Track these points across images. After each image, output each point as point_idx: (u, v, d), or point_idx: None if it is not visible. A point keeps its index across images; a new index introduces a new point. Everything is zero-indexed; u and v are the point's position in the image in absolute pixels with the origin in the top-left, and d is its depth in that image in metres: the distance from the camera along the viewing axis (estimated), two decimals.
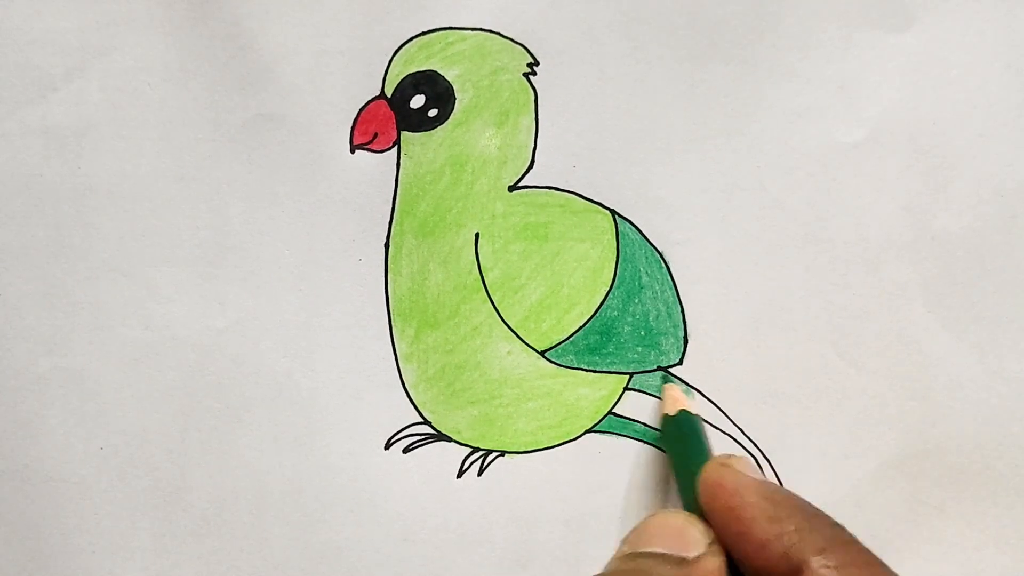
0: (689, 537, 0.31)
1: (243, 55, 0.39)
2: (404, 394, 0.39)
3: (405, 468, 0.39)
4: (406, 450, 0.39)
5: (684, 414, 0.37)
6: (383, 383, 0.39)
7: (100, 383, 0.39)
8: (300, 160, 0.39)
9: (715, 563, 0.30)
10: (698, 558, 0.31)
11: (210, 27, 0.39)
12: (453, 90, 0.39)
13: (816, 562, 0.28)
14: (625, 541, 0.32)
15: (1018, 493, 0.39)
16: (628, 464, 0.39)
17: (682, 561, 0.30)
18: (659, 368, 0.39)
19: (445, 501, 0.39)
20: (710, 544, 0.31)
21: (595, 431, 0.39)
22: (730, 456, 0.33)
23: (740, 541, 0.30)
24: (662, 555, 0.31)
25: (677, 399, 0.38)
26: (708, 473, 0.33)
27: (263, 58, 0.39)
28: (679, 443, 0.37)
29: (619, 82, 0.39)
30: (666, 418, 0.38)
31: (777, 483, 0.39)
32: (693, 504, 0.33)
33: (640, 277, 0.39)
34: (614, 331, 0.39)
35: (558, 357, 0.39)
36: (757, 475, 0.32)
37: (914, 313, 0.39)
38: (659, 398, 0.39)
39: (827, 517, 0.30)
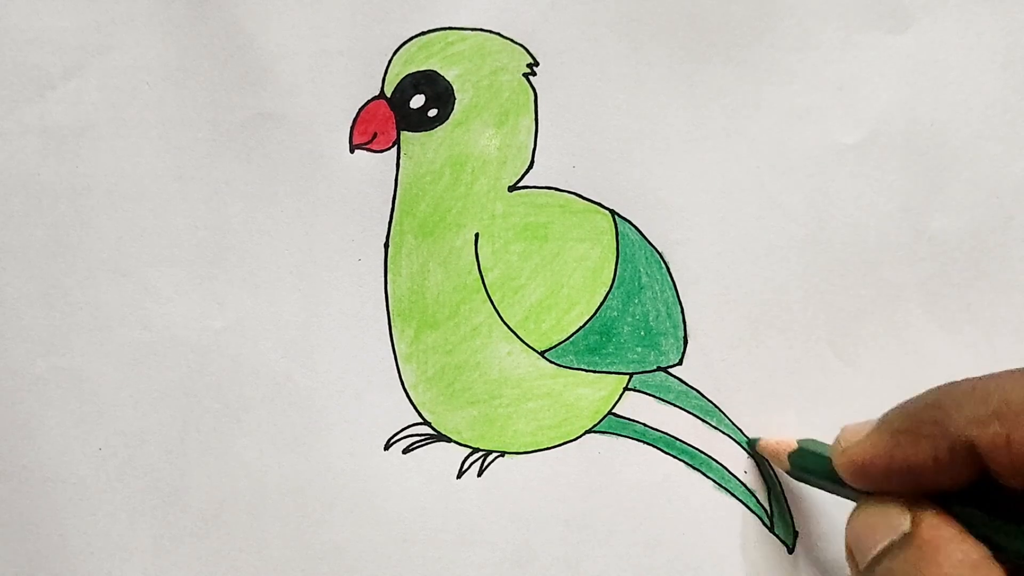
0: (893, 513, 0.31)
1: (242, 54, 0.39)
2: (404, 394, 0.39)
3: (405, 469, 0.39)
4: (406, 451, 0.39)
5: (803, 446, 0.37)
6: (383, 383, 0.39)
7: (99, 383, 0.39)
8: (299, 160, 0.39)
9: (933, 516, 0.30)
10: (916, 523, 0.30)
11: (209, 26, 0.39)
12: (453, 90, 0.39)
13: None
14: (854, 560, 0.32)
15: None
16: (628, 464, 0.39)
17: (906, 537, 0.30)
18: (659, 368, 0.39)
19: (445, 502, 0.39)
20: (910, 507, 0.30)
21: (595, 431, 0.39)
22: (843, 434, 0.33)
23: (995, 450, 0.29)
24: (888, 546, 0.30)
25: (780, 443, 0.38)
26: (846, 462, 0.32)
27: (262, 57, 0.39)
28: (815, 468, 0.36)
29: (619, 82, 0.39)
30: (793, 458, 0.37)
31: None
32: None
33: (640, 277, 0.39)
34: (614, 331, 0.39)
35: (558, 357, 0.39)
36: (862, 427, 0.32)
37: (911, 313, 0.39)
38: (659, 398, 0.39)
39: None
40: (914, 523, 0.30)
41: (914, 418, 0.30)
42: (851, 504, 0.36)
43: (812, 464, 0.36)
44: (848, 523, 0.33)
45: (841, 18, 0.39)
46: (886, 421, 0.31)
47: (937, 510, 0.30)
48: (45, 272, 0.39)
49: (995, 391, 0.29)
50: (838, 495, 0.35)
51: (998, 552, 0.29)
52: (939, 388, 0.30)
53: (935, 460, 0.29)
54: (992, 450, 0.28)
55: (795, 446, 0.37)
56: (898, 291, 0.39)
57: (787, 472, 0.38)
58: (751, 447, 0.39)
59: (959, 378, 0.37)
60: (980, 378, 0.30)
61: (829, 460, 0.34)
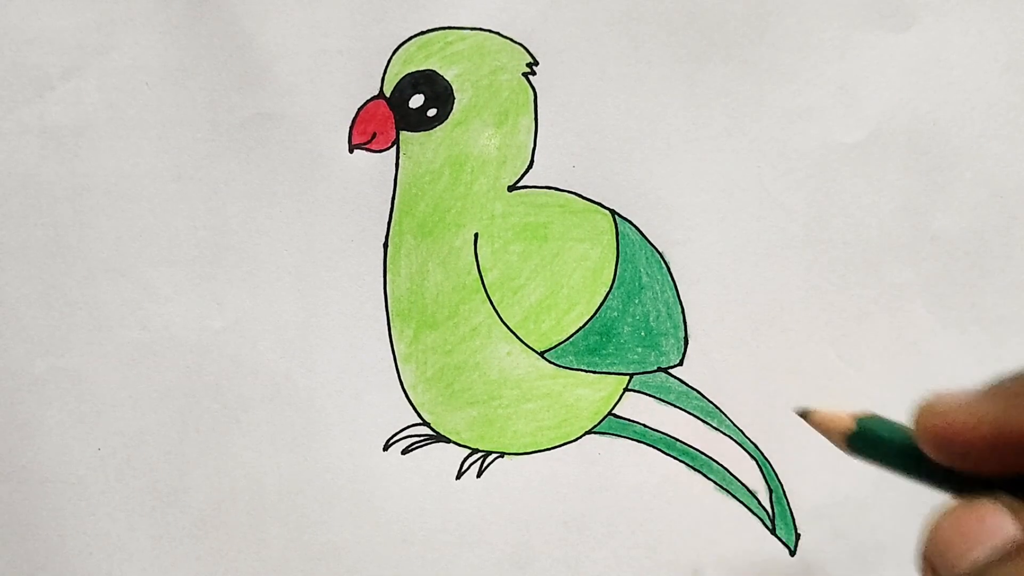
0: (993, 515, 0.25)
1: (241, 54, 0.39)
2: (403, 395, 0.39)
3: (404, 469, 0.39)
4: (405, 451, 0.39)
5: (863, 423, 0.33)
6: (382, 384, 0.39)
7: (98, 384, 0.39)
8: (299, 160, 0.39)
9: None
10: None
11: (208, 26, 0.39)
12: (452, 90, 0.39)
13: None
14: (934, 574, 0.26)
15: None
16: (628, 465, 0.39)
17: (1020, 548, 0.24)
18: (659, 369, 0.39)
19: (444, 502, 0.39)
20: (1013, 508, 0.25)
21: (595, 432, 0.39)
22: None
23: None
24: (990, 556, 0.25)
25: (838, 416, 0.33)
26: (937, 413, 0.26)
27: (262, 57, 0.39)
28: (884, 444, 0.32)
29: (619, 82, 0.39)
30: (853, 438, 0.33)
31: None
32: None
33: (640, 277, 0.39)
34: (614, 332, 0.39)
35: (558, 358, 0.39)
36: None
37: (913, 314, 0.39)
38: (660, 399, 0.39)
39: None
40: None
41: None
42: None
43: (880, 436, 0.32)
44: (932, 529, 0.27)
45: (842, 17, 0.39)
46: (1000, 384, 0.26)
47: None
48: (44, 272, 0.39)
49: None
50: (907, 475, 0.31)
51: None
52: None
53: None
54: None
55: (853, 426, 0.33)
56: (900, 291, 0.39)
57: (843, 450, 0.34)
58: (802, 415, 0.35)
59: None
60: None
61: (901, 433, 0.29)
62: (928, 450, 0.28)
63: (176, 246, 0.39)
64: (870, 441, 0.31)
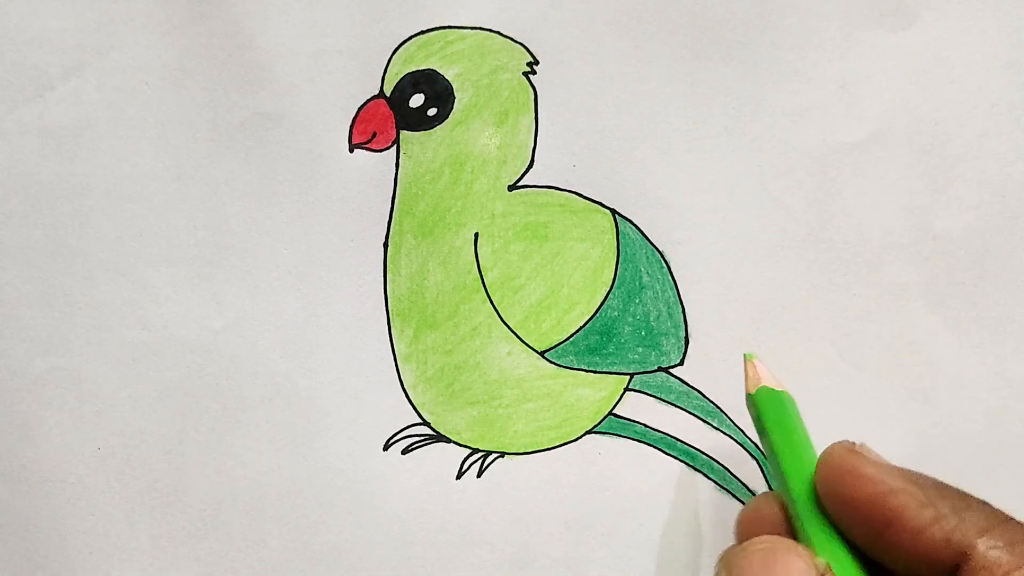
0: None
1: (241, 54, 0.39)
2: (403, 395, 0.39)
3: (404, 469, 0.39)
4: (405, 451, 0.39)
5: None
6: (382, 384, 0.39)
7: (98, 384, 0.39)
8: (299, 159, 0.39)
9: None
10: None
11: (208, 26, 0.39)
12: (452, 89, 0.39)
13: (983, 544, 0.26)
14: None
15: (1020, 495, 0.39)
16: (628, 465, 0.39)
17: None
18: (660, 369, 0.39)
19: (444, 502, 0.39)
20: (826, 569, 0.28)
21: (595, 432, 0.39)
22: (853, 442, 0.30)
23: (887, 533, 0.27)
24: None
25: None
26: (836, 460, 0.29)
27: (261, 57, 0.39)
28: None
29: (620, 81, 0.39)
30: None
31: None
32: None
33: (641, 277, 0.39)
34: (614, 331, 0.39)
35: (558, 358, 0.39)
36: (884, 458, 0.29)
37: (915, 314, 0.39)
38: (660, 399, 0.39)
39: (977, 498, 0.28)
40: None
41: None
42: None
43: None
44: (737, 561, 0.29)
45: (843, 15, 0.39)
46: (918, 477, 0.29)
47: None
48: (44, 272, 0.39)
49: None
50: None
51: None
52: None
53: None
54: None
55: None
56: (902, 291, 0.39)
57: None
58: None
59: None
60: None
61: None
62: (825, 479, 0.29)
63: (176, 246, 0.39)
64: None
